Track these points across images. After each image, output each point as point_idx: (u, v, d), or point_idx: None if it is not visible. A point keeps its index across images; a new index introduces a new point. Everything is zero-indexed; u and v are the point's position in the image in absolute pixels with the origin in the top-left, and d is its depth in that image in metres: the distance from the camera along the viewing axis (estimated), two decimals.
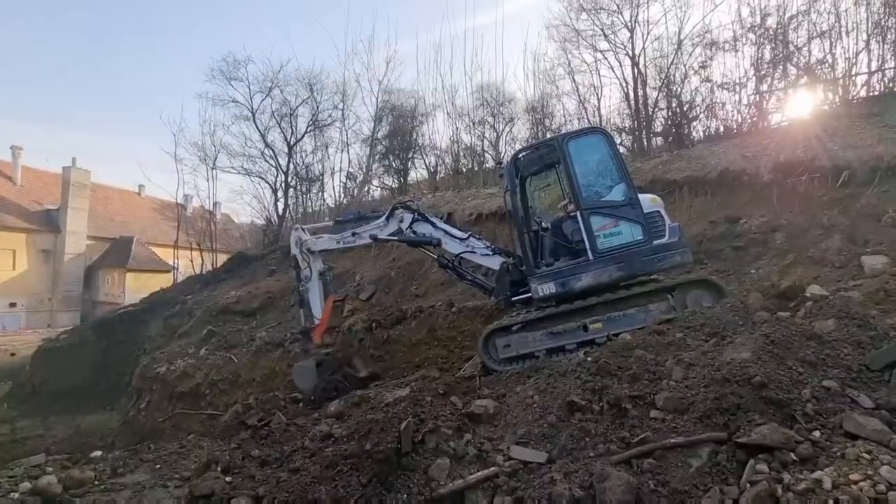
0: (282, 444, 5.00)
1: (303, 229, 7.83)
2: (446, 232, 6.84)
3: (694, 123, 14.22)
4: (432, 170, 18.11)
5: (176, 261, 24.56)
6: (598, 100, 17.23)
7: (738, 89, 12.66)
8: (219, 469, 4.33)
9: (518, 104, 19.26)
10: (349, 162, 20.76)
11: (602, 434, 3.23)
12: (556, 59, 17.50)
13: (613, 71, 16.42)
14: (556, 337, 5.49)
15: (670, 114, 13.56)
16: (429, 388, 5.60)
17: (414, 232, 6.91)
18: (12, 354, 18.70)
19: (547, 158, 5.88)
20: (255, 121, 20.61)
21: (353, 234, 7.31)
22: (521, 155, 5.96)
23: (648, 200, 5.56)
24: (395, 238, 7.11)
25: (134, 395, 10.63)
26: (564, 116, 17.63)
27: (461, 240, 6.75)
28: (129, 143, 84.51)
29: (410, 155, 20.14)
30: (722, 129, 13.26)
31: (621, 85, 16.48)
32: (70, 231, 32.63)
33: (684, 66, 14.08)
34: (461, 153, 17.94)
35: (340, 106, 20.83)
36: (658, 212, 5.51)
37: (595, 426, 3.33)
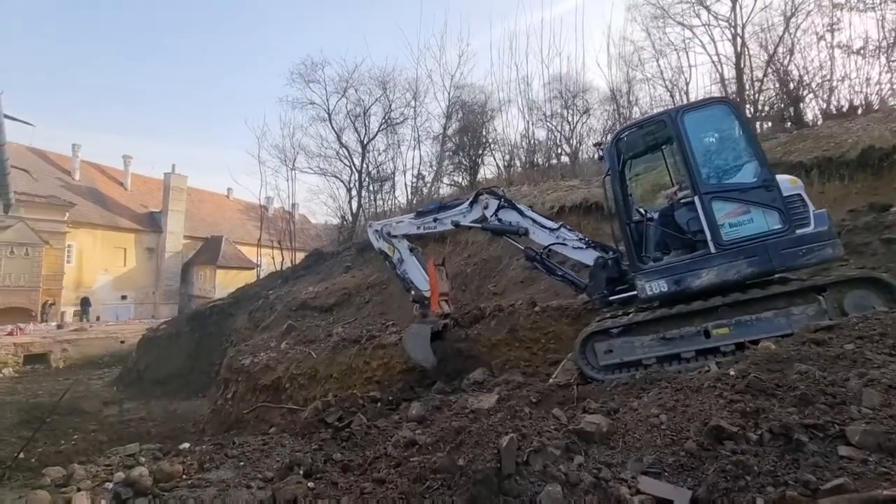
0: (364, 449, 4.71)
1: (378, 222, 7.72)
2: (535, 221, 6.29)
3: (809, 99, 12.39)
4: (506, 164, 17.49)
5: (259, 258, 26.01)
6: (687, 83, 15.73)
7: (878, 55, 10.70)
8: (301, 472, 4.09)
9: (594, 94, 18.15)
10: (420, 160, 20.73)
11: (769, 472, 2.50)
12: (640, 42, 16.20)
13: (706, 49, 14.88)
14: (670, 343, 4.70)
15: (783, 89, 11.83)
16: (519, 396, 5.08)
17: (499, 220, 6.42)
18: (122, 342, 20.73)
19: (655, 137, 5.09)
20: (330, 121, 21.25)
21: (435, 220, 7.03)
22: (624, 134, 5.21)
23: (787, 182, 4.59)
24: (479, 225, 6.70)
25: (222, 384, 11.10)
26: (651, 102, 16.25)
27: (551, 230, 6.16)
28: (218, 152, 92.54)
29: (480, 151, 19.70)
30: (847, 104, 11.36)
31: (715, 64, 14.90)
32: (170, 231, 35.94)
33: (791, 36, 12.30)
34: (535, 147, 17.15)
35: (412, 103, 20.87)
36: (800, 195, 4.53)
37: (757, 461, 2.60)
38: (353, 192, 20.84)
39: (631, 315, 4.99)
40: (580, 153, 16.32)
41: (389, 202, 21.91)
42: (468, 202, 6.75)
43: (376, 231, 7.60)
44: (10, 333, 19.78)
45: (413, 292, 7.53)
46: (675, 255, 4.86)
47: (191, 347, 15.88)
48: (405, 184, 21.21)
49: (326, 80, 21.58)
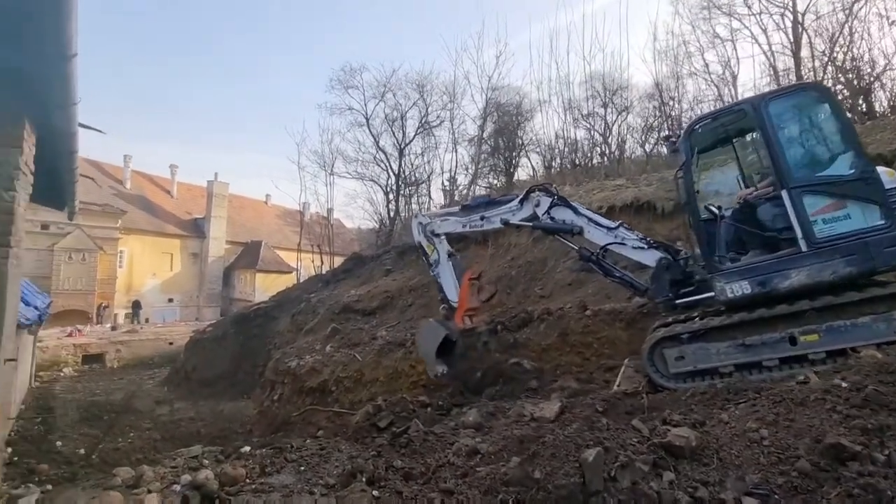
0: (423, 456, 4.57)
1: (424, 215, 7.48)
2: (590, 219, 5.99)
3: (875, 89, 11.51)
4: (546, 164, 17.15)
5: (299, 262, 26.52)
6: (734, 76, 15.01)
7: None
8: (363, 479, 3.98)
9: (634, 90, 17.60)
10: (456, 162, 20.68)
11: None
12: (686, 35, 15.58)
13: (756, 40, 14.15)
14: (750, 350, 4.35)
15: (852, 79, 11.05)
16: (583, 405, 4.83)
17: (551, 218, 6.13)
18: (170, 343, 21.51)
19: (731, 128, 4.75)
20: (368, 126, 21.51)
21: (482, 218, 6.75)
22: (698, 126, 4.88)
23: (885, 175, 4.17)
24: (529, 224, 6.42)
25: (268, 386, 11.25)
26: (696, 98, 15.58)
27: (609, 229, 5.85)
28: (258, 158, 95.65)
29: (516, 153, 19.44)
30: None
31: (767, 55, 14.14)
32: (213, 237, 37.25)
33: (854, 22, 11.47)
34: (578, 145, 16.75)
35: (449, 106, 20.86)
36: None
37: (889, 485, 2.29)
38: (391, 196, 20.97)
39: (705, 319, 4.65)
40: (624, 151, 15.84)
41: (425, 205, 21.94)
42: (518, 199, 6.49)
43: (420, 224, 7.38)
44: (70, 335, 20.88)
45: (441, 296, 7.42)
46: (753, 254, 4.51)
47: (235, 349, 16.25)
48: (441, 184, 21.24)
49: (364, 85, 21.94)
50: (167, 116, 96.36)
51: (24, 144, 3.82)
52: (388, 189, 21.30)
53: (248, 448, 5.06)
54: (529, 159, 19.20)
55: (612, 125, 17.01)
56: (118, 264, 31.80)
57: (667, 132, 14.34)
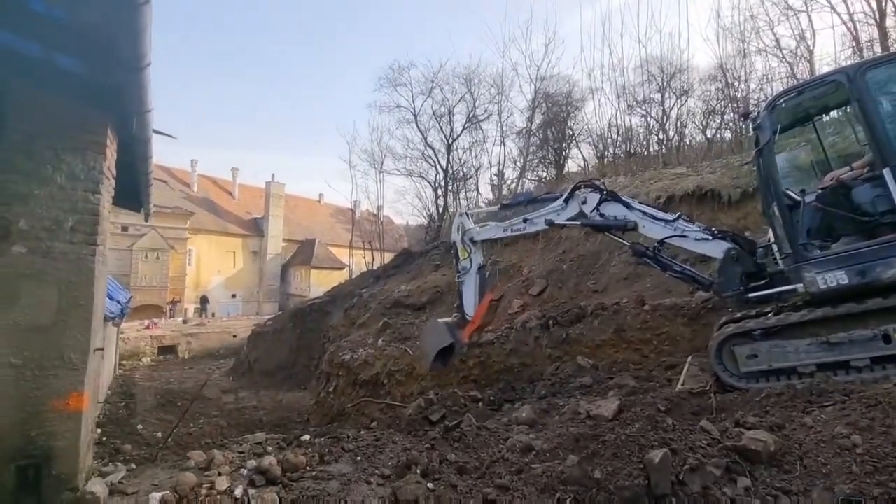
0: (477, 451, 4.56)
1: (467, 215, 7.24)
2: (645, 213, 5.64)
3: None
4: (598, 154, 16.56)
5: (350, 259, 27.30)
6: (810, 50, 13.74)
7: None
8: (418, 472, 4.02)
9: (694, 73, 16.55)
10: (504, 156, 20.44)
11: None
12: (753, 9, 14.45)
13: (834, 9, 12.88)
14: (836, 349, 3.96)
15: None
16: (643, 403, 4.62)
17: (601, 214, 5.80)
18: (234, 336, 22.84)
19: (818, 103, 4.31)
20: (416, 122, 21.68)
21: (525, 220, 6.40)
22: (782, 100, 4.43)
23: None
24: (577, 223, 6.12)
25: (323, 378, 11.67)
26: (765, 76, 14.42)
27: (666, 222, 5.48)
28: (310, 159, 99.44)
29: (566, 143, 18.91)
30: None
31: (847, 26, 12.84)
32: (271, 235, 39.12)
33: None
34: (632, 133, 16.03)
35: (497, 98, 20.62)
36: None
37: None
38: (439, 192, 21.07)
39: (782, 315, 4.29)
40: (684, 138, 14.97)
41: (473, 201, 21.88)
42: (563, 197, 6.12)
43: (461, 224, 7.10)
44: (147, 327, 22.69)
45: (458, 303, 7.25)
46: (846, 241, 4.09)
47: (293, 342, 16.99)
48: (489, 178, 21.07)
49: (412, 82, 22.14)
50: (229, 122, 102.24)
51: (107, 150, 4.14)
52: (437, 185, 21.44)
53: (307, 437, 5.26)
54: (580, 150, 18.65)
55: (670, 111, 16.14)
56: (187, 262, 34.14)
57: (734, 114, 13.38)
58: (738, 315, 5.07)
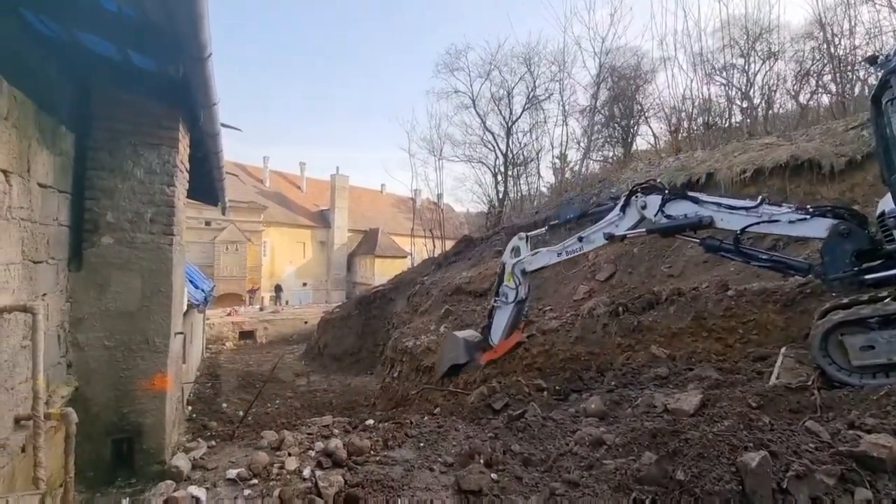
0: (542, 442, 4.37)
1: (526, 238, 6.77)
2: (720, 205, 5.01)
3: None
4: (671, 129, 15.35)
5: (412, 247, 27.70)
6: None
7: None
8: (481, 461, 3.90)
9: (784, 32, 14.73)
10: (567, 136, 19.59)
11: None
12: None
13: None
14: None
15: None
16: (730, 398, 4.17)
17: (667, 216, 5.27)
18: (305, 322, 24.07)
19: None
20: (475, 107, 21.36)
21: (580, 239, 6.03)
22: None
23: None
24: (641, 230, 5.59)
25: (388, 363, 11.93)
26: (872, 31, 12.50)
27: (748, 209, 4.84)
28: (372, 152, 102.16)
29: (634, 120, 17.72)
30: None
31: None
32: (337, 226, 40.69)
33: None
34: (711, 104, 14.65)
35: (558, 76, 19.77)
36: None
37: None
38: (499, 177, 20.69)
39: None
40: (772, 105, 13.43)
41: (534, 185, 21.25)
42: (619, 206, 5.66)
43: (517, 248, 6.70)
44: (229, 314, 24.53)
45: (483, 328, 7.02)
46: None
47: (359, 328, 17.57)
48: (551, 161, 20.36)
49: (470, 66, 21.88)
50: (296, 120, 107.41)
51: (180, 144, 4.35)
52: (496, 170, 21.06)
53: (371, 421, 5.35)
54: (650, 126, 17.39)
55: (755, 76, 14.54)
56: (262, 253, 36.45)
57: (833, 73, 11.76)
58: (846, 300, 4.41)
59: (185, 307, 6.75)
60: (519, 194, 20.89)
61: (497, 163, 20.91)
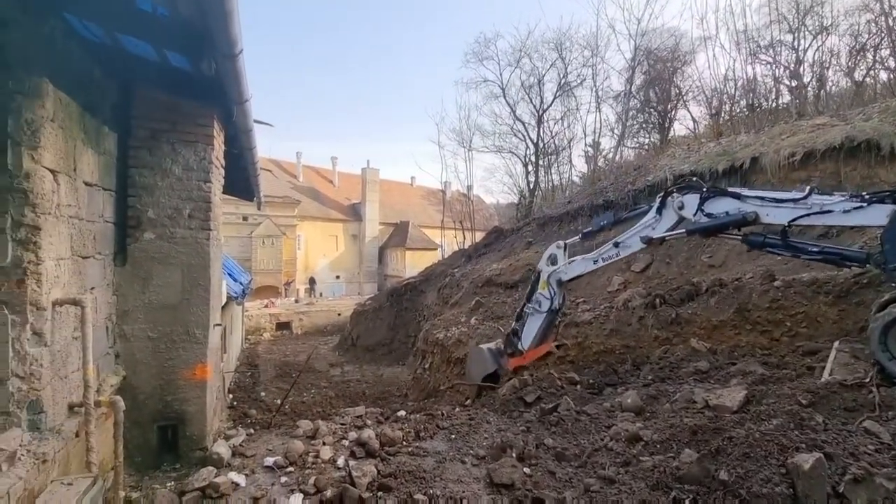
0: (576, 437, 4.28)
1: (564, 247, 6.55)
2: (764, 199, 4.71)
3: None
4: (711, 112, 14.64)
5: (442, 239, 27.74)
6: None
7: None
8: (514, 455, 3.87)
9: (838, 3, 13.74)
10: (600, 123, 19.03)
11: None
12: None
13: None
14: None
15: None
16: (778, 395, 3.95)
17: (708, 214, 5.01)
18: (339, 314, 24.57)
19: None
20: (504, 96, 21.03)
21: (616, 245, 5.80)
22: None
23: None
24: (681, 232, 5.34)
25: (419, 355, 12.02)
26: None
27: (795, 201, 4.53)
28: (401, 145, 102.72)
29: (672, 104, 16.99)
30: None
31: None
32: (368, 219, 41.21)
33: None
34: (756, 84, 13.85)
35: (591, 61, 19.18)
36: None
37: None
38: (530, 167, 20.33)
39: None
40: (824, 83, 12.55)
41: (566, 174, 20.79)
42: (654, 208, 5.43)
43: (554, 257, 6.50)
44: (266, 306, 25.33)
45: (512, 328, 6.83)
46: None
47: (391, 320, 17.77)
48: (583, 149, 19.85)
49: (499, 54, 21.49)
50: (327, 116, 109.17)
51: (215, 141, 4.46)
52: (527, 160, 20.68)
53: (403, 412, 5.39)
54: (689, 110, 16.63)
55: (805, 53, 13.63)
56: (297, 247, 37.37)
57: (888, 49, 10.87)
58: None
59: (223, 300, 6.97)
60: (550, 184, 20.52)
61: (528, 152, 20.56)
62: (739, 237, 5.03)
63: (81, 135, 3.29)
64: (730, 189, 5.01)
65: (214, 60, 3.33)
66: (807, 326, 6.10)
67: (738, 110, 14.13)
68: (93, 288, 3.54)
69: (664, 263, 8.72)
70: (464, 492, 3.44)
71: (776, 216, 4.62)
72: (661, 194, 5.49)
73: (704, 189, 5.08)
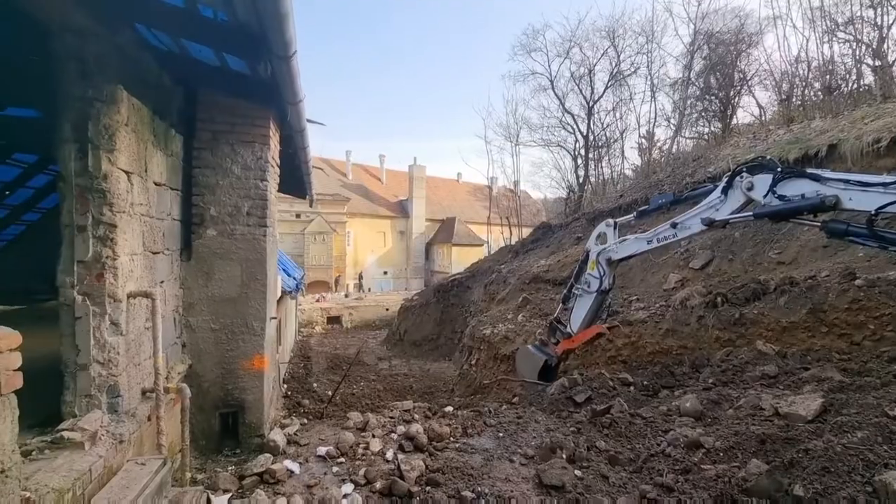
0: (630, 440, 4.11)
1: (614, 225, 6.27)
2: (848, 181, 4.23)
3: None
4: (782, 97, 13.56)
5: (489, 235, 27.58)
6: None
7: None
8: (564, 456, 3.77)
9: None
10: (655, 113, 18.15)
11: None
12: None
13: None
14: None
15: None
16: (861, 405, 3.60)
17: (780, 197, 4.55)
18: (387, 309, 25.05)
19: None
20: (553, 88, 20.53)
21: (674, 226, 5.45)
22: None
23: None
24: (748, 215, 4.88)
25: (466, 351, 12.01)
26: None
27: (886, 185, 4.04)
28: (448, 141, 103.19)
29: (735, 90, 15.90)
30: None
31: None
32: (415, 216, 41.73)
33: None
34: (834, 65, 12.67)
35: (645, 48, 18.31)
36: None
37: None
38: (579, 161, 19.75)
39: None
40: None
41: (618, 167, 20.02)
42: (720, 187, 5.01)
43: (602, 235, 6.23)
44: (317, 301, 26.26)
45: (554, 317, 6.58)
46: None
47: (437, 316, 17.89)
48: (637, 140, 19.00)
49: (548, 45, 21.05)
50: (376, 114, 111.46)
51: (271, 141, 4.64)
52: (576, 153, 20.10)
53: (450, 408, 5.40)
54: (754, 96, 15.51)
55: (890, 29, 12.31)
56: (347, 243, 38.48)
57: None
58: None
59: (279, 294, 7.27)
60: (601, 178, 19.82)
61: (577, 145, 19.97)
62: (818, 224, 4.54)
63: (151, 138, 3.51)
64: (808, 170, 4.56)
65: (270, 62, 3.45)
66: (893, 330, 5.54)
67: (811, 94, 12.99)
68: (162, 281, 3.78)
69: (726, 260, 8.19)
70: (512, 491, 3.39)
71: (861, 202, 4.14)
72: (729, 173, 5.06)
73: (779, 169, 4.65)
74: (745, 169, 4.90)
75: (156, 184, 3.64)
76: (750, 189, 4.77)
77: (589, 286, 6.25)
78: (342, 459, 3.90)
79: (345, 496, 3.33)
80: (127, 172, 3.09)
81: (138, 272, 3.29)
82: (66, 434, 2.60)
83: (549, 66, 20.73)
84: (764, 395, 4.48)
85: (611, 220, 6.32)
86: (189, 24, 3.32)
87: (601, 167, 20.54)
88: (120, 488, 2.59)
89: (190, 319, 4.27)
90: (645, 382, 6.20)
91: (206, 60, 3.97)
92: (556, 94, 20.53)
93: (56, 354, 2.94)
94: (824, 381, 4.66)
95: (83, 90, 2.81)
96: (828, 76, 12.41)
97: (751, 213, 4.86)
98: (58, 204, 2.97)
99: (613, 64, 19.02)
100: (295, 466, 3.77)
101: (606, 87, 19.21)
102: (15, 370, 1.78)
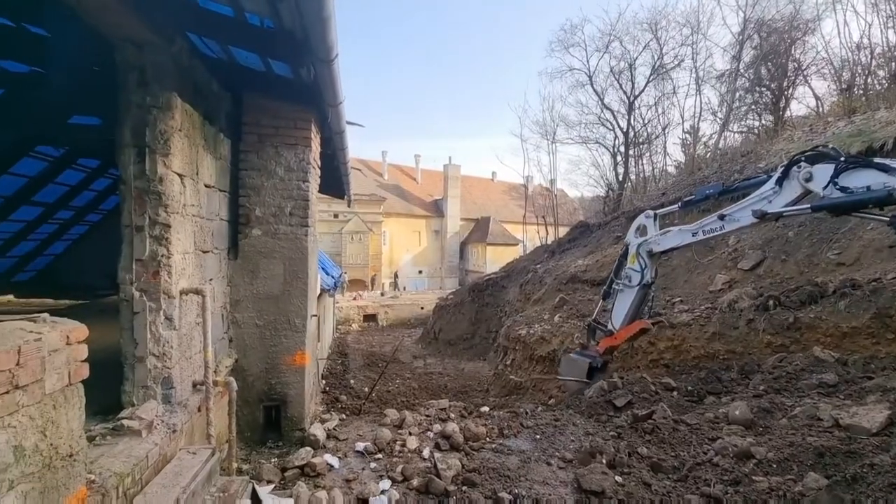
0: (674, 447, 3.97)
1: (655, 216, 6.03)
2: None
3: None
4: (842, 87, 12.69)
5: (524, 234, 27.30)
6: None
7: None
8: (604, 461, 3.68)
9: None
10: (700, 107, 17.42)
11: None
12: None
13: None
14: None
15: None
16: None
17: (842, 189, 4.22)
18: (422, 308, 25.26)
19: None
20: (591, 84, 20.06)
21: (722, 218, 5.17)
22: None
23: None
24: (804, 208, 4.58)
25: (501, 351, 11.94)
26: None
27: None
28: (483, 140, 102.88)
29: (789, 80, 15.00)
30: None
31: None
32: (450, 215, 41.85)
33: None
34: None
35: (690, 39, 17.59)
36: None
37: None
38: (618, 158, 19.21)
39: None
40: None
41: (659, 164, 19.34)
42: (775, 178, 4.70)
43: (643, 227, 6.00)
44: (354, 299, 26.80)
45: (594, 318, 6.41)
46: None
47: (472, 315, 17.87)
48: (680, 135, 18.31)
49: (587, 40, 20.51)
50: (411, 114, 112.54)
51: (312, 143, 4.77)
52: (615, 150, 19.55)
53: (486, 408, 5.39)
54: (810, 86, 14.55)
55: None
56: (383, 242, 39.06)
57: None
58: None
59: (318, 292, 7.46)
60: (641, 175, 19.21)
61: (616, 142, 19.41)
62: (886, 219, 4.20)
63: (202, 142, 3.68)
64: (876, 160, 4.23)
65: (313, 66, 3.54)
66: None
67: (875, 83, 12.08)
68: (211, 279, 3.96)
69: (779, 260, 7.75)
70: (550, 495, 3.34)
71: None
72: (785, 163, 4.75)
73: (842, 159, 4.31)
74: (803, 158, 4.59)
75: (206, 186, 3.81)
76: (808, 180, 4.47)
77: (630, 280, 6.06)
78: (379, 455, 3.96)
79: (382, 492, 3.38)
80: (180, 175, 3.26)
81: (190, 270, 3.46)
82: (125, 422, 2.76)
83: (588, 61, 20.33)
84: (822, 405, 4.22)
85: (650, 212, 6.11)
86: (237, 31, 3.45)
87: (642, 164, 19.92)
88: (173, 475, 2.73)
89: (236, 315, 4.45)
90: (689, 388, 5.97)
91: (252, 66, 4.12)
92: (594, 90, 20.08)
93: (113, 346, 3.13)
94: (890, 391, 4.33)
95: (141, 98, 2.98)
96: (893, 63, 11.50)
97: (808, 206, 4.56)
98: (117, 205, 3.16)
99: (655, 57, 18.41)
100: (335, 461, 3.86)
101: (648, 82, 18.61)
102: (82, 361, 1.91)
